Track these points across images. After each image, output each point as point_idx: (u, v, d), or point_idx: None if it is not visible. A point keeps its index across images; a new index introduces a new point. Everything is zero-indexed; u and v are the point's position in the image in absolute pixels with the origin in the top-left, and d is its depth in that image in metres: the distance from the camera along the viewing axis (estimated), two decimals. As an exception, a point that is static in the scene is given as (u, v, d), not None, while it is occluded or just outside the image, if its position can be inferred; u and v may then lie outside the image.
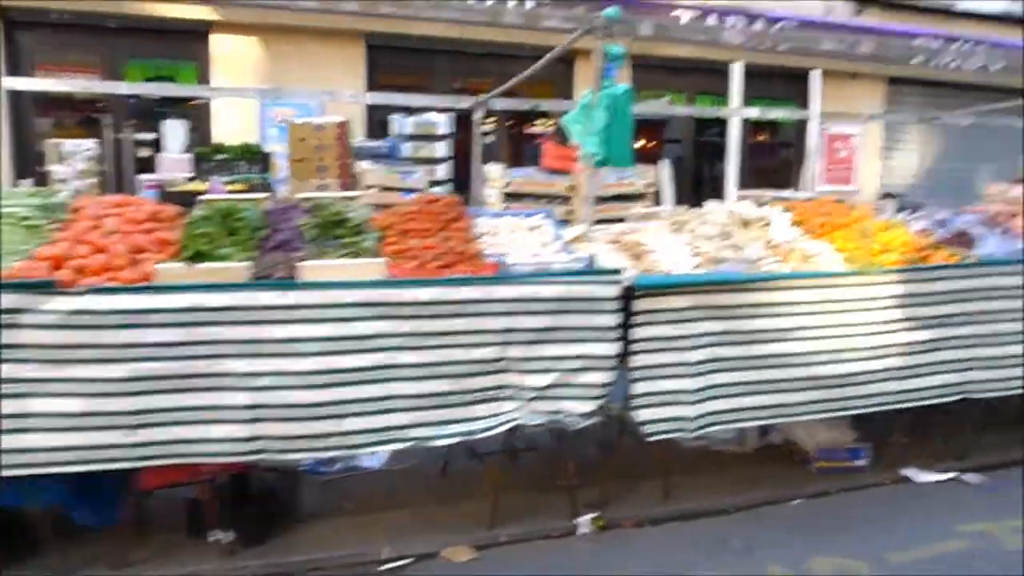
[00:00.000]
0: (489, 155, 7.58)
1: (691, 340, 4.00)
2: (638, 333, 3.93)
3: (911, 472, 4.86)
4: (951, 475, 4.85)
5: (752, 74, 9.87)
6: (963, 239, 4.91)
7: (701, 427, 4.12)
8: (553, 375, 3.80)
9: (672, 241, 4.29)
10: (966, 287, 4.58)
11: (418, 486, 4.60)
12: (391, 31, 8.47)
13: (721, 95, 9.29)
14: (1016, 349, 4.77)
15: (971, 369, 4.71)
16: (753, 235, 4.68)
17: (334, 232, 3.92)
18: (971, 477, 4.84)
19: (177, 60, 8.20)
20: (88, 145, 7.58)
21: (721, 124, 11.12)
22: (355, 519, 4.24)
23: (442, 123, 6.91)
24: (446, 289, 3.58)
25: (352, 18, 8.37)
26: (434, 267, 3.72)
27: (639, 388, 3.98)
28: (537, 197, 6.31)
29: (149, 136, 8.16)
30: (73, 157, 7.60)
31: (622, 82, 4.46)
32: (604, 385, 3.89)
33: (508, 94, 6.36)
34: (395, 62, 8.84)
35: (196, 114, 8.27)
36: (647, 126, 11.01)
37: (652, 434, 4.04)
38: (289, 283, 3.44)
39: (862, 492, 4.70)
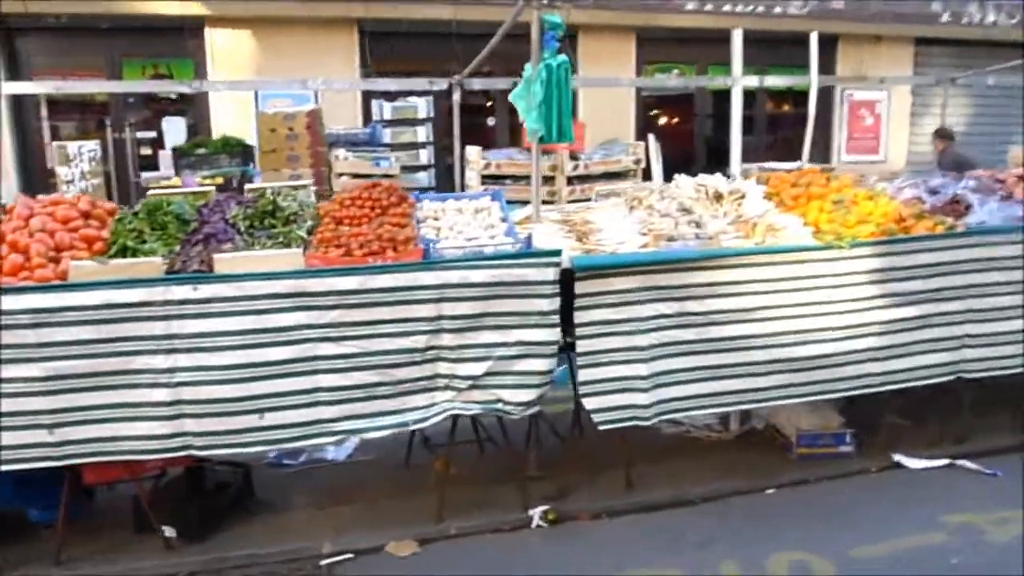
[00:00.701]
0: (482, 136, 7.42)
1: (640, 323, 3.78)
2: (582, 317, 3.73)
3: (901, 458, 4.54)
4: (945, 461, 4.51)
5: (767, 41, 9.48)
6: (956, 207, 4.54)
7: (657, 415, 3.91)
8: (488, 363, 3.64)
9: (624, 219, 4.06)
10: (954, 258, 4.23)
11: (378, 478, 4.50)
12: (384, 16, 8.36)
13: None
14: (1015, 324, 4.40)
15: (965, 347, 4.37)
16: (724, 209, 4.42)
17: (265, 222, 3.83)
18: (967, 463, 4.49)
19: (173, 57, 8.25)
20: (91, 146, 7.71)
21: (749, 96, 10.74)
22: (307, 512, 4.17)
23: (423, 107, 6.76)
24: (367, 277, 3.45)
25: (344, 5, 8.31)
26: (361, 255, 3.60)
27: (586, 375, 3.79)
28: (517, 178, 6.12)
29: (150, 134, 8.26)
30: (77, 158, 7.75)
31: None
32: (544, 373, 3.71)
33: (482, 75, 6.18)
34: (389, 48, 8.71)
35: (195, 110, 8.33)
36: (672, 102, 10.68)
37: (603, 423, 3.84)
38: (202, 276, 3.36)
39: (844, 480, 4.40)
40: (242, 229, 3.80)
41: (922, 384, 4.37)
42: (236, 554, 3.77)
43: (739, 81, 7.06)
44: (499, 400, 3.70)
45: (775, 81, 7.17)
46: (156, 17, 7.95)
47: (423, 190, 6.83)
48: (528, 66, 4.05)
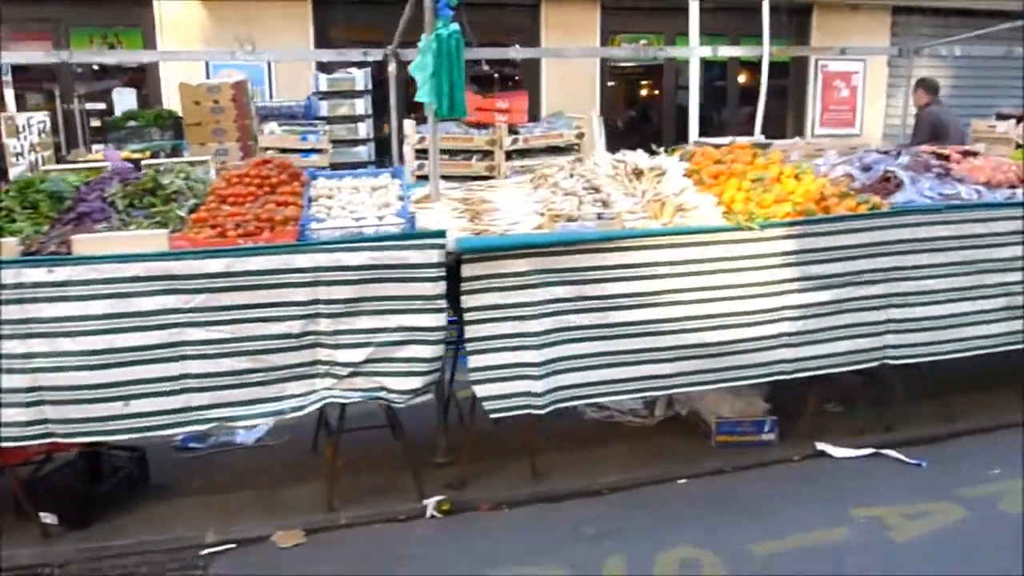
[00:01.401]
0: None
1: (534, 308, 3.61)
2: (470, 301, 3.56)
3: (825, 446, 4.37)
4: (870, 450, 4.35)
5: (741, 9, 9.16)
6: (886, 185, 4.32)
7: (553, 402, 3.75)
8: (369, 349, 3.48)
9: (526, 198, 3.87)
10: (877, 240, 4.02)
11: (282, 463, 4.37)
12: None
13: (712, 35, 8.65)
14: (944, 309, 4.20)
15: (889, 332, 4.17)
16: (643, 187, 4.21)
17: (144, 201, 3.67)
18: (893, 452, 4.32)
19: (123, 26, 8.04)
20: (40, 118, 7.53)
21: (722, 67, 10.42)
22: (200, 499, 4.04)
23: (360, 78, 6.54)
24: (234, 259, 3.29)
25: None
26: (235, 235, 3.43)
27: (477, 361, 3.63)
28: (454, 152, 5.91)
29: (100, 105, 8.09)
30: (26, 130, 7.57)
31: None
32: (431, 360, 3.55)
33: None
34: (345, 18, 8.46)
35: (146, 81, 8.14)
36: (641, 73, 10.40)
37: (495, 411, 3.69)
38: (58, 259, 3.20)
39: (763, 470, 4.25)
40: (120, 208, 3.63)
41: (842, 370, 4.20)
42: (116, 543, 3.65)
43: (695, 52, 6.89)
44: (382, 388, 3.55)
45: (729, 51, 6.89)
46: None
47: (362, 164, 6.66)
48: (424, 36, 3.84)
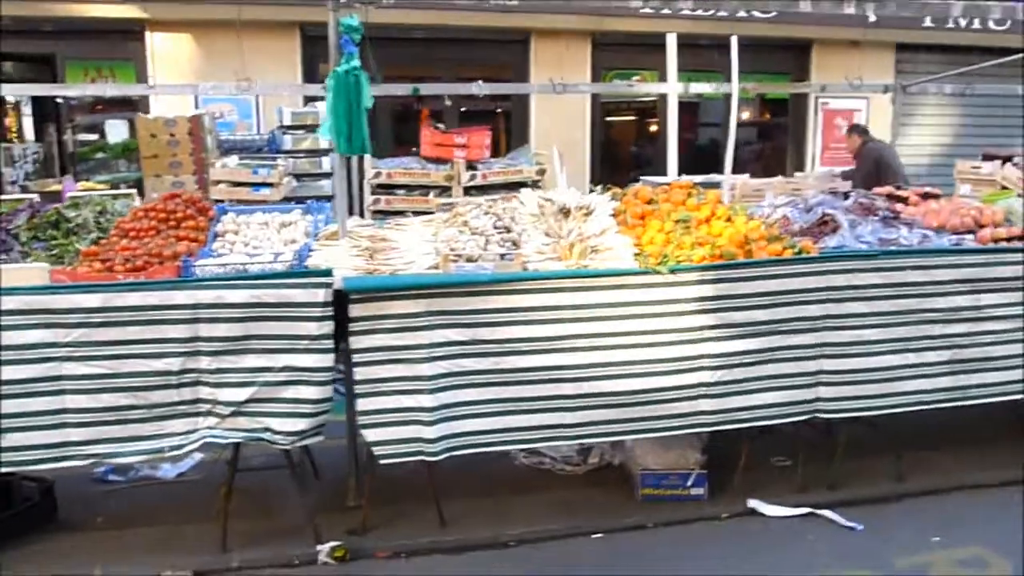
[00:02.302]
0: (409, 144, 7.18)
1: (424, 350, 3.48)
2: (358, 343, 3.46)
3: (757, 504, 4.12)
4: (805, 510, 4.08)
5: (741, 46, 8.99)
6: (823, 228, 4.11)
7: (447, 449, 3.60)
8: (253, 388, 3.40)
9: (430, 237, 3.77)
10: (806, 286, 3.81)
11: (194, 500, 4.29)
12: (327, 20, 8.19)
13: (708, 71, 8.55)
14: (881, 361, 3.95)
15: (820, 384, 3.94)
16: (569, 227, 4.09)
17: (48, 234, 3.68)
18: (829, 513, 4.04)
19: (115, 60, 8.25)
20: (35, 148, 7.76)
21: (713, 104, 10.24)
22: (101, 534, 3.97)
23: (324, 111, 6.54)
24: (112, 295, 3.25)
25: (287, 9, 8.19)
26: (123, 270, 3.40)
27: (366, 404, 3.51)
28: (411, 188, 5.86)
29: (93, 136, 8.28)
30: (22, 159, 7.81)
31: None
32: (317, 401, 3.45)
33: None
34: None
35: (137, 112, 8.31)
36: (634, 109, 10.30)
37: (385, 457, 3.56)
38: (-65, 290, 3.20)
39: (685, 527, 4.01)
40: (23, 240, 3.64)
41: (771, 424, 3.97)
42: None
43: (672, 88, 6.75)
44: (267, 429, 3.46)
45: (701, 88, 6.75)
46: (98, 20, 7.96)
47: (327, 198, 6.64)
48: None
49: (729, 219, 4.09)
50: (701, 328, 3.71)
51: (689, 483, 4.12)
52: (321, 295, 3.36)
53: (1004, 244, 4.26)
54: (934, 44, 9.07)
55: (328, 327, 3.40)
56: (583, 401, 3.66)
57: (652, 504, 4.15)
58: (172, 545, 3.83)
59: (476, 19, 8.29)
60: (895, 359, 3.97)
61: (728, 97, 8.86)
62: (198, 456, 4.67)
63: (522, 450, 4.50)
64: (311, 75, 8.43)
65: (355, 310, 3.42)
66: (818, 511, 4.06)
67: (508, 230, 3.82)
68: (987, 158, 6.08)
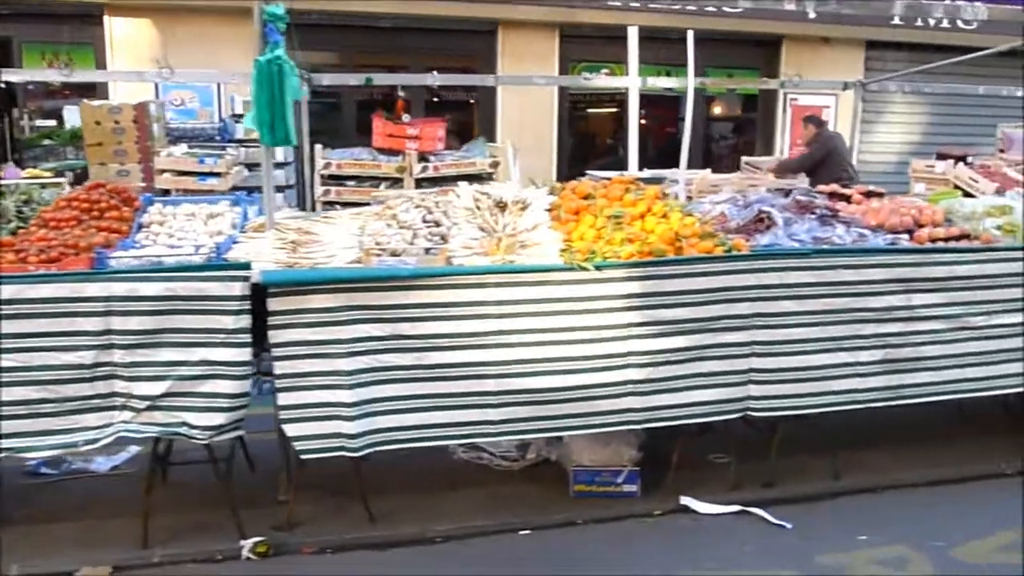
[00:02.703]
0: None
1: (344, 345, 3.44)
2: (277, 337, 3.41)
3: (690, 501, 4.11)
4: (736, 507, 4.07)
5: (711, 40, 8.98)
6: (759, 226, 4.09)
7: (368, 445, 3.57)
8: (168, 383, 3.36)
9: (357, 230, 3.72)
10: (735, 284, 3.78)
11: (124, 494, 4.24)
12: (291, 7, 8.08)
13: (677, 66, 8.49)
14: (812, 360, 3.94)
15: (751, 383, 3.92)
16: (505, 221, 4.05)
17: (-36, 222, 3.61)
18: (760, 511, 4.03)
19: (74, 44, 8.14)
20: (-11, 134, 7.64)
21: (708, 99, 10.20)
22: (24, 528, 3.90)
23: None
24: (23, 287, 3.19)
25: (248, -6, 8.07)
26: (37, 261, 3.34)
27: (285, 399, 3.48)
28: (361, 179, 5.80)
29: (51, 123, 8.17)
30: (-22, 145, 7.67)
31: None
32: (235, 396, 3.41)
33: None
34: (298, 39, 8.44)
35: (95, 98, 8.20)
36: (601, 102, 10.24)
37: (305, 452, 3.53)
38: None
39: (616, 524, 3.99)
40: (-60, 229, 3.58)
41: (702, 422, 3.96)
42: (-85, 571, 3.57)
43: (632, 83, 6.72)
44: (183, 423, 3.41)
45: (663, 83, 6.71)
46: (57, 3, 7.85)
47: (279, 188, 6.58)
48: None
49: (665, 216, 4.05)
50: (628, 325, 3.69)
51: (621, 480, 4.10)
52: (238, 288, 3.31)
53: (941, 244, 4.26)
54: (903, 42, 9.04)
55: (245, 321, 3.35)
56: (507, 398, 3.63)
57: (584, 501, 4.13)
58: (95, 540, 3.79)
59: (443, 8, 8.21)
60: (827, 358, 3.96)
61: (702, 92, 8.88)
62: (134, 449, 4.64)
63: (460, 445, 4.47)
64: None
65: (274, 304, 3.38)
66: (750, 509, 4.06)
67: (437, 224, 3.77)
68: (941, 157, 6.07)
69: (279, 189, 6.36)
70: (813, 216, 4.13)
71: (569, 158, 9.32)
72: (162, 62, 5.82)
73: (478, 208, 4.15)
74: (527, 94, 8.58)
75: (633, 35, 6.72)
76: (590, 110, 9.98)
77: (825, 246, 3.91)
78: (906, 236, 4.17)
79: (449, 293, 3.51)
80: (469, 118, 9.13)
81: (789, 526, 3.93)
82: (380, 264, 3.47)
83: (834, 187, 4.73)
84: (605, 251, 3.65)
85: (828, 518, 4.07)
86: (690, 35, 5.88)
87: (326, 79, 5.86)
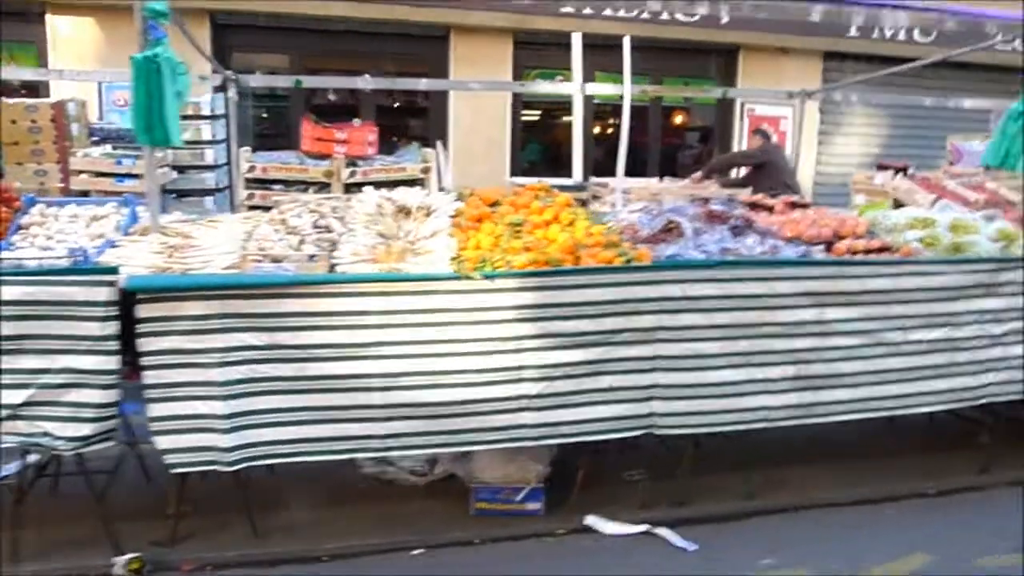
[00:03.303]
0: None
1: (217, 355, 3.29)
2: (147, 345, 3.26)
3: (594, 520, 3.97)
4: (642, 527, 3.93)
5: (668, 50, 8.92)
6: (667, 236, 3.96)
7: (243, 459, 3.42)
8: (30, 391, 3.20)
9: (242, 235, 3.58)
10: (636, 296, 3.65)
11: (6, 505, 4.08)
12: (238, 8, 7.99)
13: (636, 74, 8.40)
14: (719, 376, 3.80)
15: (654, 399, 3.78)
16: (408, 227, 3.92)
17: None
18: (665, 531, 3.90)
19: (15, 42, 7.98)
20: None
21: (668, 110, 10.10)
22: None
23: (207, 102, 6.34)
24: None
25: (195, -6, 7.96)
26: None
27: (156, 410, 3.32)
28: (288, 183, 5.66)
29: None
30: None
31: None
32: (102, 405, 3.25)
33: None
34: (246, 42, 8.34)
35: (38, 97, 8.06)
36: (557, 109, 10.11)
37: (176, 465, 3.37)
38: None
39: (515, 544, 3.85)
40: None
41: (602, 438, 3.81)
42: None
43: (576, 89, 6.61)
44: (45, 433, 3.26)
45: (600, 89, 6.61)
46: (-2, 0, 7.69)
47: (209, 192, 6.45)
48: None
49: (571, 224, 3.93)
50: (522, 337, 3.55)
51: (522, 497, 3.96)
52: (104, 294, 3.16)
53: (861, 257, 4.14)
54: (861, 54, 8.96)
55: (113, 327, 3.20)
56: (393, 411, 3.49)
57: (486, 519, 3.99)
58: (-33, 553, 3.63)
59: (395, 13, 8.10)
60: (736, 374, 3.82)
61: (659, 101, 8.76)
62: (32, 458, 4.48)
63: (368, 458, 4.32)
64: (224, 64, 8.20)
65: (142, 311, 3.23)
66: (655, 529, 3.92)
67: (329, 229, 3.63)
68: (881, 168, 5.96)
69: (209, 192, 6.23)
70: (726, 226, 4.01)
71: (524, 165, 9.20)
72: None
73: (381, 214, 4.01)
74: (479, 100, 8.46)
75: (577, 41, 6.60)
76: (547, 118, 9.86)
77: (729, 258, 3.78)
78: (822, 248, 4.04)
79: (330, 302, 3.36)
80: (423, 124, 9.00)
81: (693, 548, 3.80)
82: (257, 270, 3.33)
83: (757, 197, 4.61)
84: (497, 260, 3.52)
85: (736, 539, 3.93)
86: (626, 41, 5.77)
87: (253, 81, 5.72)
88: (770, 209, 4.52)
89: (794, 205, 4.60)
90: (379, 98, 8.91)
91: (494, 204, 4.10)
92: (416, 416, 3.51)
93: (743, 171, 7.07)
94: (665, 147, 9.57)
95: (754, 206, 4.53)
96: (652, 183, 6.61)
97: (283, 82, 6.00)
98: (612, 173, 8.18)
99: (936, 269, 4.01)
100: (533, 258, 3.57)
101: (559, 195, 4.21)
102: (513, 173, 8.64)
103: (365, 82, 5.60)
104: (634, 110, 9.92)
